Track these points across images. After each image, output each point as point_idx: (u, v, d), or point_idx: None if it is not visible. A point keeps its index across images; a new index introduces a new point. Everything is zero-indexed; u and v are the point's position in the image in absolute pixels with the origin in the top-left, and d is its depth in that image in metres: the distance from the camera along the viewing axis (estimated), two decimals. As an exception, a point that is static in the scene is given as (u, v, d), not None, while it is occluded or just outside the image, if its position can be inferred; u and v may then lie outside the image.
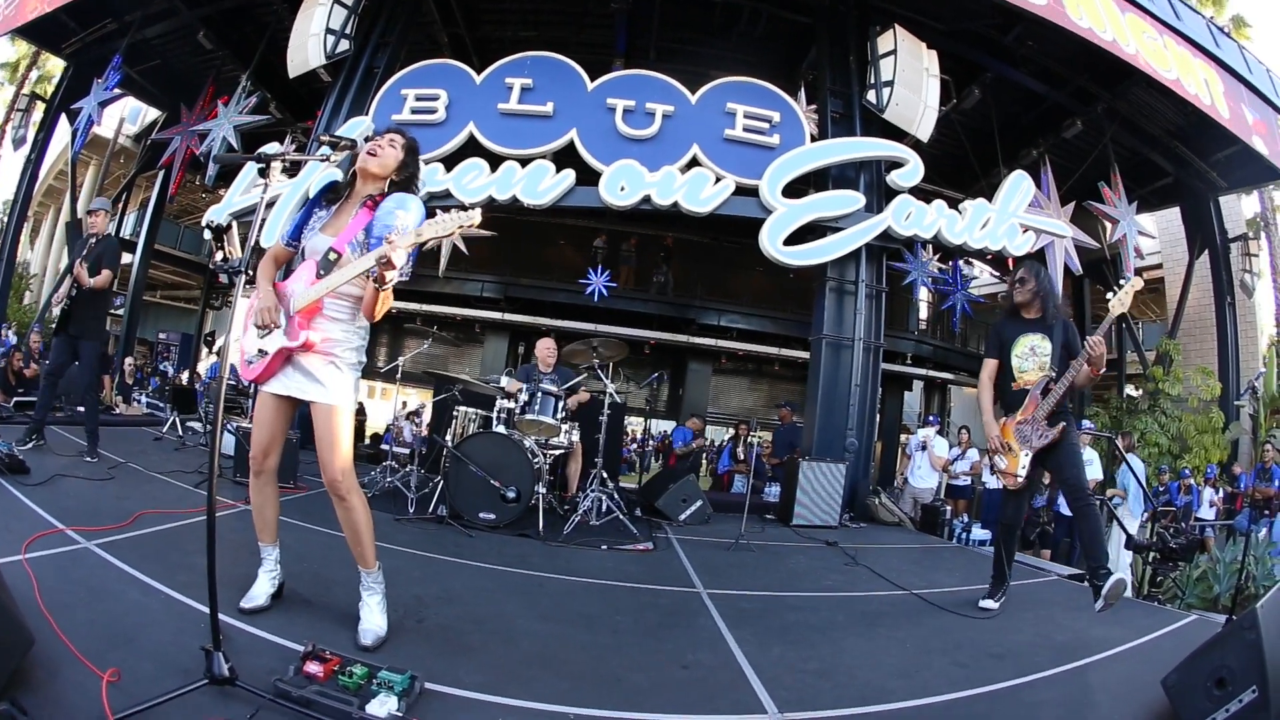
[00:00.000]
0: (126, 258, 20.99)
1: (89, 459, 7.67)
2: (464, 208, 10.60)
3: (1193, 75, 13.55)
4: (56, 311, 7.90)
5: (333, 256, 3.75)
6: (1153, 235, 17.38)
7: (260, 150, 3.63)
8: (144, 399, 16.19)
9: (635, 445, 21.02)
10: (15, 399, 11.05)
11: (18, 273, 21.17)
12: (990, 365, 6.00)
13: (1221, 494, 14.61)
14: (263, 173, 3.36)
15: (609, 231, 20.06)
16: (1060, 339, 5.70)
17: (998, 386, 5.96)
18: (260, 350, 3.81)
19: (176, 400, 12.60)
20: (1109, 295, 5.63)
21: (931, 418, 16.41)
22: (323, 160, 3.96)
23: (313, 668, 3.12)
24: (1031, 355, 5.76)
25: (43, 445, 7.70)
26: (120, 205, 21.82)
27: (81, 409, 8.46)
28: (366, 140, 3.97)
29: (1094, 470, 11.83)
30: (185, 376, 21.15)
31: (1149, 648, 5.00)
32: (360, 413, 13.78)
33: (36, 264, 28.11)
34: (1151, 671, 3.81)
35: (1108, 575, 5.07)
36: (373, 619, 3.86)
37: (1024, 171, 13.25)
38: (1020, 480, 5.64)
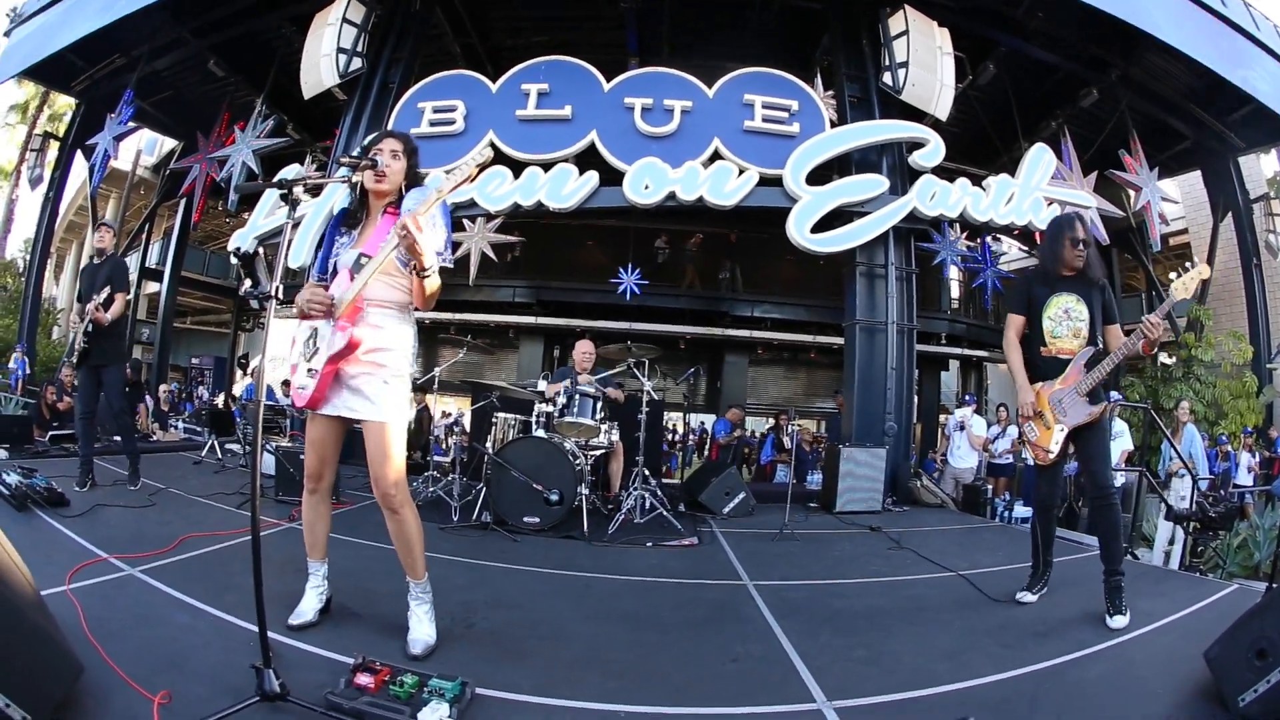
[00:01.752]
0: (153, 286, 21.32)
1: (131, 486, 7.73)
2: (489, 216, 10.74)
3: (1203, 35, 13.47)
4: (77, 346, 7.88)
5: (364, 260, 3.74)
6: (1176, 200, 17.16)
7: (279, 176, 3.67)
8: (180, 424, 16.31)
9: (677, 440, 21.00)
10: (51, 433, 11.12)
11: (45, 308, 21.38)
12: (1016, 322, 5.44)
13: (1259, 458, 14.45)
14: (285, 198, 3.37)
15: (670, 231, 20.03)
16: (1098, 303, 5.22)
17: (1025, 350, 5.41)
18: (309, 370, 3.80)
19: (213, 423, 12.68)
20: (1173, 276, 5.18)
21: (968, 397, 16.30)
22: (343, 181, 3.97)
23: (363, 679, 3.14)
24: (1065, 319, 5.23)
25: (96, 488, 7.64)
26: (144, 235, 22.08)
27: (117, 438, 8.49)
28: (365, 150, 3.95)
29: (1125, 441, 11.70)
30: (221, 399, 21.33)
31: (1191, 620, 4.96)
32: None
33: (63, 299, 28.40)
34: (1194, 644, 3.79)
35: (1122, 605, 4.86)
36: (422, 628, 3.87)
37: (1044, 144, 13.22)
38: (1051, 457, 5.28)
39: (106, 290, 7.82)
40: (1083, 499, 11.12)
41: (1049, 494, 5.64)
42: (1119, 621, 4.79)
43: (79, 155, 17.56)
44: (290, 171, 13.43)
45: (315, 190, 11.80)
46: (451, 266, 3.93)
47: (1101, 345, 5.21)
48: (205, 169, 15.41)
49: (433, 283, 3.74)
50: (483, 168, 3.67)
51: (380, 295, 3.81)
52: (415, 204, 3.73)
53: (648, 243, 18.99)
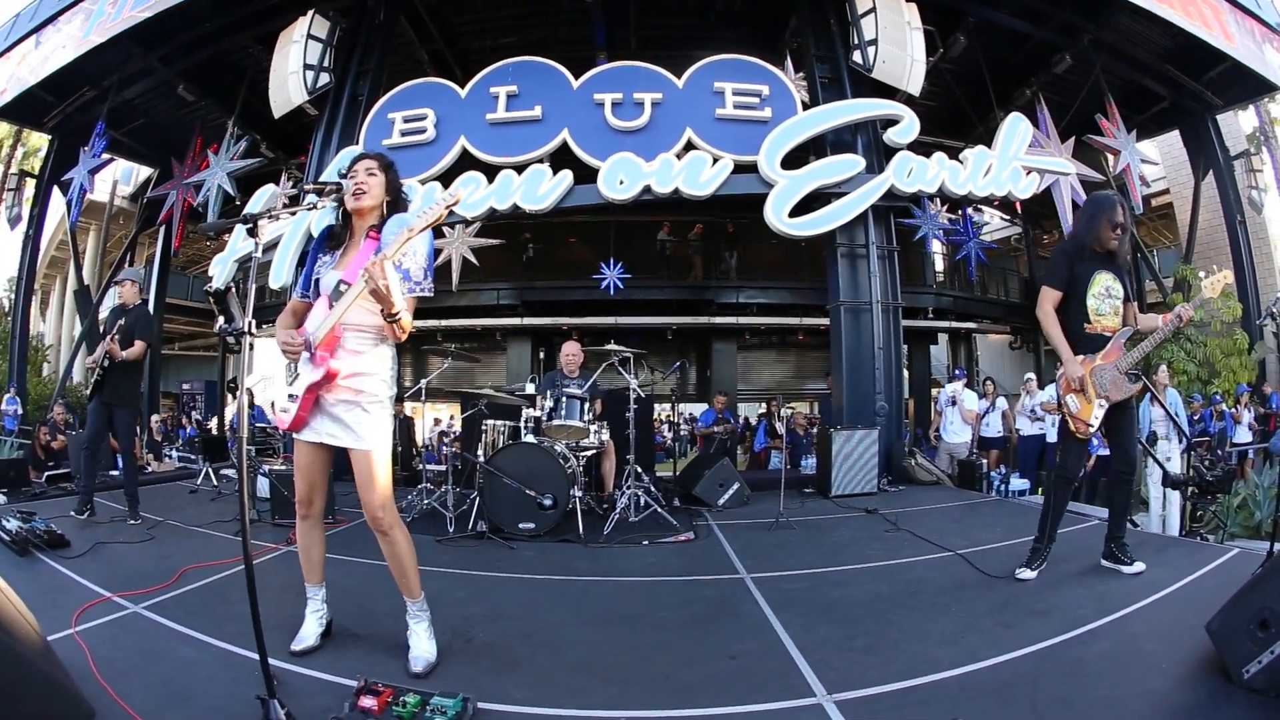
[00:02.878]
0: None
1: (132, 521, 7.69)
2: (466, 222, 10.65)
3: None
4: (91, 378, 7.91)
5: (343, 288, 3.75)
6: (1156, 161, 17.27)
7: (245, 212, 3.67)
8: (174, 453, 16.26)
9: (670, 433, 21.03)
10: (47, 473, 11.06)
11: (33, 345, 21.33)
12: (1054, 296, 5.45)
13: (1253, 414, 14.48)
14: (251, 232, 3.38)
15: (665, 223, 20.09)
16: (1128, 282, 5.48)
17: (1064, 325, 5.44)
18: (290, 395, 3.83)
19: (207, 450, 12.63)
20: (1202, 274, 5.38)
21: (959, 371, 16.35)
22: (310, 209, 3.97)
23: (367, 702, 3.16)
24: (1107, 297, 5.38)
25: (94, 517, 7.70)
26: (126, 265, 22.04)
27: (114, 473, 8.48)
28: (342, 176, 3.96)
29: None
30: (214, 425, 21.31)
31: (1192, 589, 4.96)
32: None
33: (50, 335, 28.33)
34: (1196, 615, 3.80)
35: (1132, 556, 5.31)
36: (422, 646, 3.88)
37: (1020, 113, 13.23)
38: (1091, 431, 5.37)
39: (121, 323, 7.90)
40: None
41: (1075, 467, 5.75)
42: (1138, 566, 5.23)
43: (55, 190, 17.52)
44: (264, 194, 13.39)
45: (293, 206, 11.82)
46: (430, 293, 3.94)
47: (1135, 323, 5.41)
48: (182, 195, 15.35)
49: (405, 321, 3.74)
50: (451, 209, 3.67)
51: (358, 320, 3.81)
52: (398, 226, 3.75)
53: (629, 236, 18.97)
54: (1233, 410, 14.27)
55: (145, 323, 8.18)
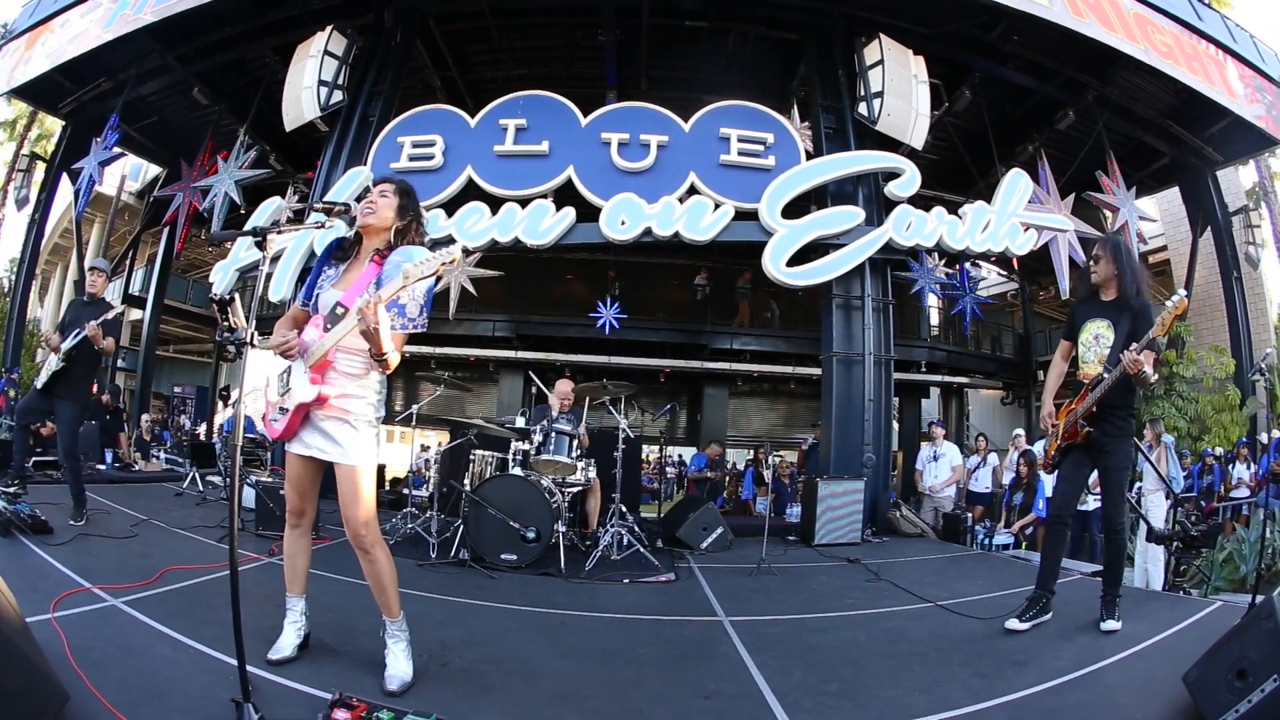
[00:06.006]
0: (136, 314, 21.30)
1: (73, 521, 7.28)
2: (467, 252, 10.62)
3: (1179, 53, 13.68)
4: (44, 374, 7.63)
5: (340, 311, 3.78)
6: (1154, 218, 17.30)
7: (253, 224, 3.70)
8: (163, 455, 16.23)
9: (655, 474, 20.99)
10: (34, 459, 11.02)
11: (29, 330, 21.26)
12: (1063, 346, 5.79)
13: (1253, 470, 14.46)
14: (259, 245, 3.43)
15: (713, 269, 20.19)
16: (1125, 329, 5.18)
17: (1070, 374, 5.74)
18: (281, 408, 3.87)
19: (195, 455, 12.63)
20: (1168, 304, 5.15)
21: (937, 422, 16.31)
22: (318, 226, 4.00)
23: (340, 715, 3.17)
24: (1094, 345, 5.42)
25: (22, 495, 7.31)
26: (127, 262, 22.08)
27: (100, 467, 8.33)
28: (362, 196, 4.02)
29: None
30: (203, 431, 21.24)
31: (1172, 642, 4.98)
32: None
33: (47, 321, 28.18)
34: (1174, 667, 3.82)
35: (1107, 614, 5.24)
36: (398, 665, 3.88)
37: (1020, 170, 13.30)
38: (1049, 467, 5.67)
39: (106, 317, 7.46)
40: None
41: (1057, 507, 5.76)
42: (1111, 625, 5.15)
43: (64, 178, 17.55)
44: (269, 206, 13.45)
45: (297, 220, 11.87)
46: (423, 329, 3.97)
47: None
48: (188, 198, 15.39)
49: (391, 360, 3.75)
50: (447, 266, 3.70)
51: (351, 344, 3.83)
52: (403, 259, 3.76)
53: (627, 276, 19.06)
54: (1221, 465, 14.27)
55: (118, 322, 7.97)
